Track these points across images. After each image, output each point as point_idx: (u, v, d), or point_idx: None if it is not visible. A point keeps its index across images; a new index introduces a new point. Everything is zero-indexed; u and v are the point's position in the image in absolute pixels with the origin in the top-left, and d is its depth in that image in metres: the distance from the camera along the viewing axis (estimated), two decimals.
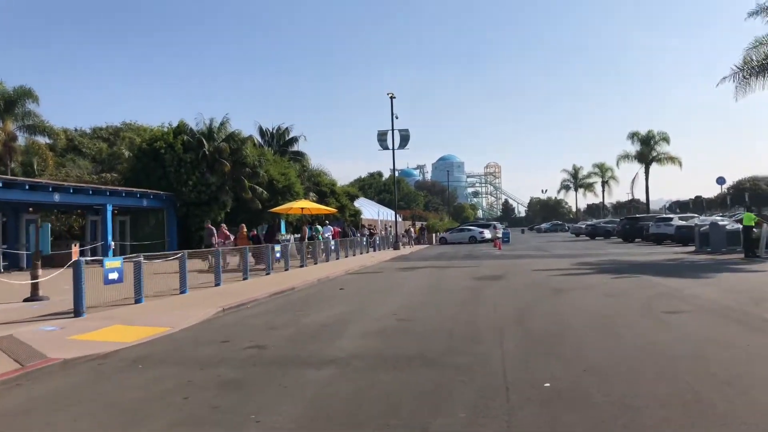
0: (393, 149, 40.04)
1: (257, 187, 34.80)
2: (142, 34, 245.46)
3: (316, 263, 23.99)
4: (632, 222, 42.04)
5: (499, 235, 50.10)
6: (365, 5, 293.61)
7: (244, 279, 17.07)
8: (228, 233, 21.83)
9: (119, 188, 28.53)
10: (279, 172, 36.67)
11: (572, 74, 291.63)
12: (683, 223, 33.62)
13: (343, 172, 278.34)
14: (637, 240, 41.12)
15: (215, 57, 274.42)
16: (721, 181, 76.53)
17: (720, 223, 25.13)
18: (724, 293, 11.56)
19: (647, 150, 56.12)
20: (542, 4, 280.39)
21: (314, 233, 24.54)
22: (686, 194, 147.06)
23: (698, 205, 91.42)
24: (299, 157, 42.45)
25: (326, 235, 23.79)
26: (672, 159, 56.16)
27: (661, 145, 56.06)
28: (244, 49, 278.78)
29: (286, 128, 42.87)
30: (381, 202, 79.05)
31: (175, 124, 34.58)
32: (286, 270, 20.45)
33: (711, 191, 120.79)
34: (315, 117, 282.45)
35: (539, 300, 11.43)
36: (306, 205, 23.81)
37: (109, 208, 27.41)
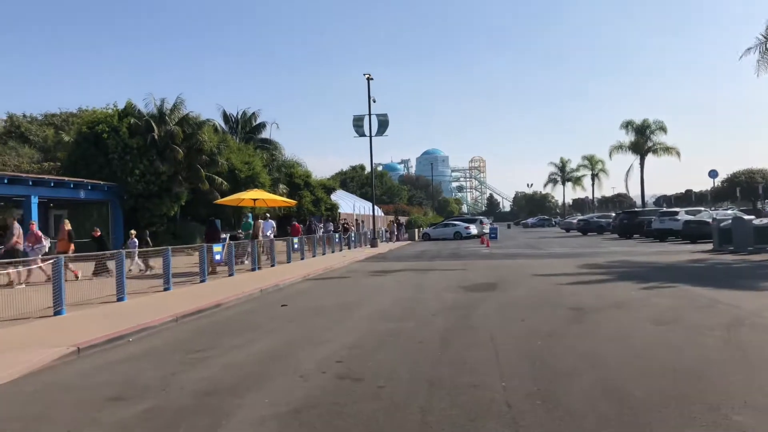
0: (370, 136, 36.18)
1: (216, 177, 30.86)
2: (112, 17, 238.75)
3: (273, 265, 20.19)
4: (630, 216, 38.66)
5: (486, 231, 46.62)
6: None
7: (166, 290, 13.24)
8: (40, 234, 15.71)
9: (46, 177, 24.46)
10: (242, 160, 32.72)
11: (560, 69, 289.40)
12: (691, 217, 30.26)
13: (326, 168, 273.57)
14: (635, 236, 37.81)
15: (195, 44, 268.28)
16: (713, 174, 73.50)
17: (745, 217, 21.68)
18: None
19: (642, 140, 52.62)
20: None
21: (240, 232, 20.55)
22: (674, 188, 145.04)
23: (689, 199, 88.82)
24: (267, 145, 38.43)
25: (267, 232, 19.91)
26: (668, 150, 52.81)
27: (657, 134, 52.75)
28: (226, 38, 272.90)
29: (253, 113, 38.84)
30: (363, 196, 75.17)
31: (122, 106, 30.45)
32: (230, 276, 16.64)
33: (701, 185, 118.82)
34: (296, 111, 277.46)
35: (558, 332, 7.73)
36: (259, 195, 19.90)
37: (34, 200, 23.37)
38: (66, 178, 25.44)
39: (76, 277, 14.07)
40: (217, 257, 16.11)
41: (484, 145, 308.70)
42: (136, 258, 17.14)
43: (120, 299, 11.59)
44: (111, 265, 13.35)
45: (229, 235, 24.44)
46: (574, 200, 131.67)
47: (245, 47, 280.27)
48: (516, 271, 16.83)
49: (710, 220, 26.26)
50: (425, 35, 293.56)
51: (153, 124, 29.35)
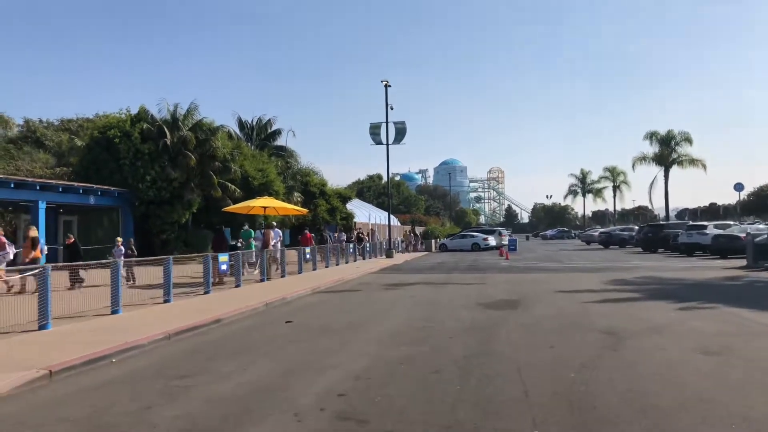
0: (387, 144, 35.36)
1: (229, 184, 30.18)
2: (131, 23, 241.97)
3: (283, 276, 19.39)
4: (655, 230, 37.35)
5: (505, 243, 45.52)
6: (366, 5, 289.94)
7: (166, 301, 12.48)
8: (4, 240, 14.67)
9: (53, 182, 23.93)
10: (256, 168, 32.04)
11: (580, 80, 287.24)
12: (721, 231, 28.95)
13: (343, 177, 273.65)
14: (659, 250, 36.49)
15: (211, 50, 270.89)
16: (739, 187, 71.74)
17: None
18: None
19: (667, 151, 51.06)
20: (553, 6, 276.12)
21: (240, 242, 19.58)
22: (696, 202, 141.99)
23: (713, 212, 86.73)
24: (282, 152, 37.75)
25: (273, 242, 19.00)
26: (694, 162, 51.19)
27: (682, 146, 51.14)
28: (243, 44, 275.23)
29: (269, 120, 38.23)
30: (380, 206, 74.35)
31: (135, 111, 29.97)
32: (237, 287, 15.85)
33: (724, 198, 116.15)
34: (314, 119, 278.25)
35: (593, 362, 6.77)
36: (269, 203, 19.10)
37: (42, 205, 22.84)
38: (75, 183, 24.89)
39: (8, 289, 13.12)
40: (223, 267, 15.34)
41: (503, 156, 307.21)
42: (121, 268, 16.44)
43: (114, 312, 10.84)
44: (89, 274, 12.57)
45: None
46: (594, 212, 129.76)
47: (262, 54, 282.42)
48: (538, 287, 15.84)
49: (742, 235, 25.00)
50: (445, 44, 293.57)
51: (165, 129, 28.80)
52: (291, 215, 32.59)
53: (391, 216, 46.65)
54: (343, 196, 47.07)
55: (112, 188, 26.64)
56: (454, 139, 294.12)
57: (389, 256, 34.91)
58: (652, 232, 36.87)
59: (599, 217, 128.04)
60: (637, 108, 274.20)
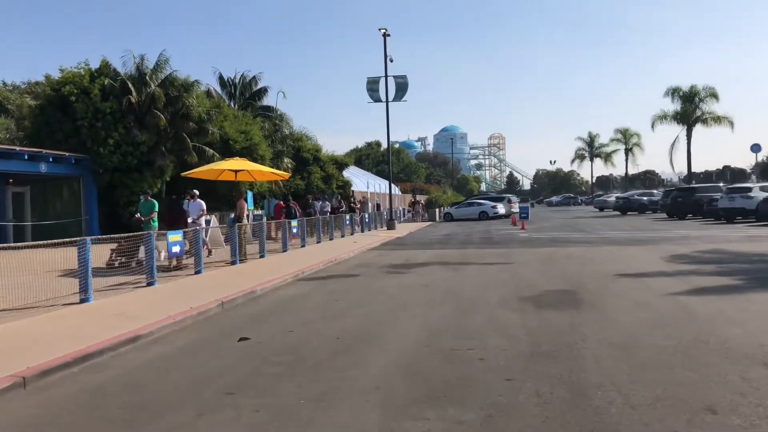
0: (387, 101, 31.36)
1: (207, 148, 26.34)
2: None
3: (263, 256, 15.78)
4: (686, 194, 33.59)
5: (516, 210, 41.92)
6: None
7: (83, 301, 8.87)
8: None
9: None
10: (238, 129, 28.13)
11: (582, 45, 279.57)
12: None
13: (341, 146, 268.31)
14: (688, 216, 32.87)
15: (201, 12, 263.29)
16: (756, 148, 67.88)
17: None
18: None
19: (691, 108, 46.95)
20: None
21: (138, 216, 13.91)
22: (707, 165, 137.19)
23: (726, 176, 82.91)
24: (270, 113, 33.80)
25: (194, 216, 14.82)
26: (719, 119, 47.05)
27: (707, 102, 46.97)
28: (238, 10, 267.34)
29: (254, 77, 34.05)
30: (379, 174, 70.53)
31: (97, 65, 25.96)
32: (197, 273, 12.25)
33: (737, 161, 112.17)
34: (309, 87, 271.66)
35: None
36: (242, 166, 15.12)
37: None
38: (18, 148, 21.12)
39: None
40: (175, 249, 11.67)
41: (504, 121, 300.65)
42: None
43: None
44: None
45: (212, 217, 20.12)
46: (598, 177, 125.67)
47: (251, 14, 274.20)
48: (585, 268, 12.24)
49: None
50: (443, 8, 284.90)
51: (130, 85, 24.86)
52: (274, 181, 28.91)
53: (392, 185, 42.92)
54: (340, 163, 43.20)
55: (67, 154, 22.84)
56: (453, 106, 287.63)
57: (391, 227, 31.29)
58: (682, 197, 33.12)
59: (603, 182, 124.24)
60: (640, 71, 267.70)
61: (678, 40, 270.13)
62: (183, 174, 18.84)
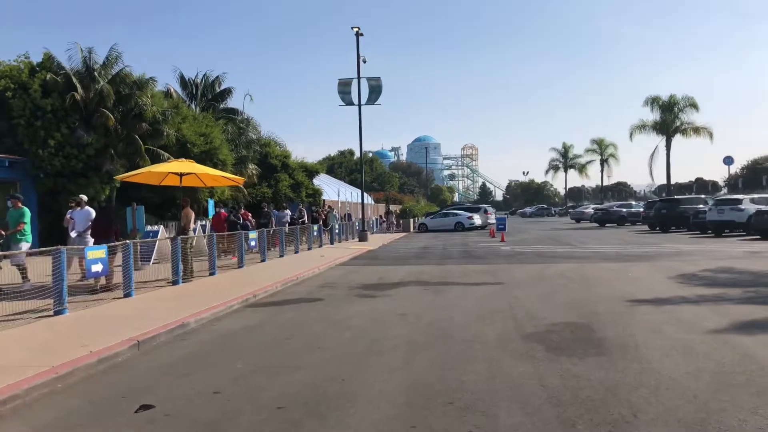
0: (359, 104, 29.41)
1: (162, 151, 24.02)
2: None
3: (213, 273, 13.64)
4: (670, 205, 32.35)
5: (492, 222, 40.31)
6: None
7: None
8: None
9: None
10: (197, 132, 25.88)
11: (557, 56, 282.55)
12: (764, 207, 23.98)
13: (313, 155, 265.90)
14: (672, 229, 31.61)
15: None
16: (728, 161, 67.85)
17: None
18: None
19: (670, 118, 46.03)
20: None
21: None
22: (679, 177, 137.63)
23: (701, 188, 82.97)
24: (233, 116, 31.58)
25: (77, 228, 12.36)
26: (698, 130, 46.14)
27: (686, 112, 46.13)
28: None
29: (217, 77, 31.76)
30: (353, 183, 68.53)
31: (39, 59, 23.49)
32: (126, 297, 10.07)
33: (710, 174, 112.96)
34: (279, 96, 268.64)
35: None
36: (188, 168, 12.78)
37: None
38: None
39: None
40: (96, 268, 9.46)
41: (477, 132, 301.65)
42: None
43: None
44: None
45: (160, 228, 17.94)
46: (570, 189, 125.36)
47: (218, 19, 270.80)
48: (589, 291, 10.44)
49: None
50: (416, 17, 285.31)
51: (75, 81, 22.49)
52: (236, 188, 26.73)
53: (365, 194, 41.00)
54: (310, 170, 41.09)
55: (0, 155, 20.39)
56: (426, 116, 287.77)
57: (363, 239, 29.26)
58: (666, 209, 31.86)
59: (575, 193, 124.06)
60: (611, 84, 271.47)
61: (654, 55, 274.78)
62: (118, 177, 16.57)
